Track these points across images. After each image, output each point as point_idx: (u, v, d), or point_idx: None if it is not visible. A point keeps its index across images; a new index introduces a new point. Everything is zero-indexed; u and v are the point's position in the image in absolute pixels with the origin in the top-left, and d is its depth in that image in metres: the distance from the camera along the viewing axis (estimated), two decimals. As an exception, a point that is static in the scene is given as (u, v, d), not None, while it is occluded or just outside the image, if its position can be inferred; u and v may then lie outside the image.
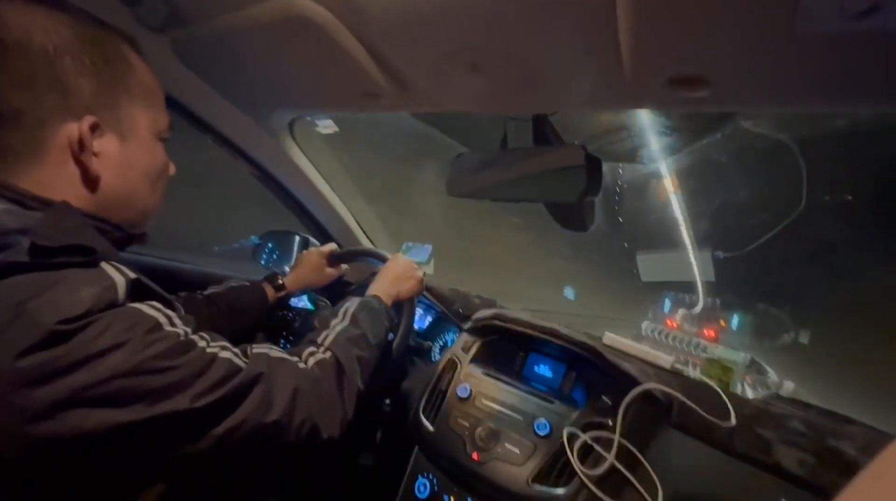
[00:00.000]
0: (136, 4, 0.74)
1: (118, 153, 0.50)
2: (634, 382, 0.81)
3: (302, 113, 1.04)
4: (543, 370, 1.00)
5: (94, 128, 0.47)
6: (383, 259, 0.98)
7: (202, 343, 0.47)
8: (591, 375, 0.92)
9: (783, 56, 0.43)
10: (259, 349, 0.55)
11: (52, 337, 0.36)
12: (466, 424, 0.86)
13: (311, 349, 0.64)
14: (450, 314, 1.15)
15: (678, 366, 0.94)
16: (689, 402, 0.75)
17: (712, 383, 0.84)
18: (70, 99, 0.45)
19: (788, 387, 0.96)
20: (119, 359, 0.39)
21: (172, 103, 0.92)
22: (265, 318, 1.02)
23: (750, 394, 1.05)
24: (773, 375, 1.16)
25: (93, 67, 0.46)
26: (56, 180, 0.46)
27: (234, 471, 1.01)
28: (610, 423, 0.77)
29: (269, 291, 1.03)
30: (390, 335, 0.86)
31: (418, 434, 0.90)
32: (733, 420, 0.72)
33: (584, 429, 0.79)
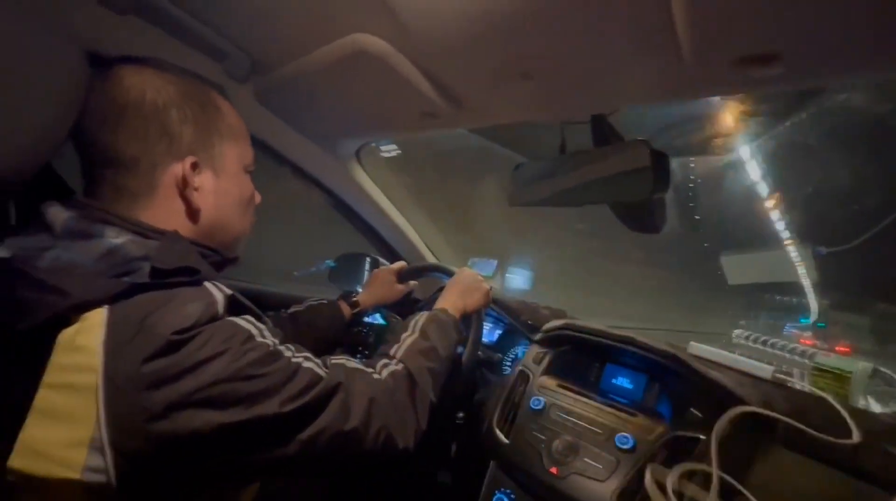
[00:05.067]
0: (224, 61, 0.85)
1: (214, 187, 0.57)
2: (727, 393, 0.74)
3: (367, 139, 1.11)
4: (622, 381, 0.95)
5: (194, 167, 0.54)
6: (450, 273, 1.00)
7: (288, 353, 0.51)
8: (676, 386, 0.85)
9: (861, 16, 0.38)
10: (337, 359, 0.59)
11: (168, 346, 0.41)
12: (542, 437, 0.84)
13: (385, 360, 0.66)
14: (518, 325, 1.14)
15: (780, 376, 0.84)
16: (794, 421, 0.66)
17: (826, 395, 0.73)
18: (175, 144, 0.53)
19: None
20: (220, 366, 0.43)
21: (254, 141, 1.03)
22: (342, 334, 1.08)
23: (877, 408, 0.91)
24: (905, 385, 0.99)
25: (191, 116, 0.54)
26: (166, 213, 0.53)
27: (317, 485, 1.06)
28: (702, 437, 0.70)
29: (345, 308, 1.08)
30: (459, 348, 0.87)
31: (493, 448, 0.89)
32: (856, 437, 0.62)
33: (673, 446, 0.73)
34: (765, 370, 0.84)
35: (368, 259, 1.35)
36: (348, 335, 1.15)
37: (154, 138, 0.52)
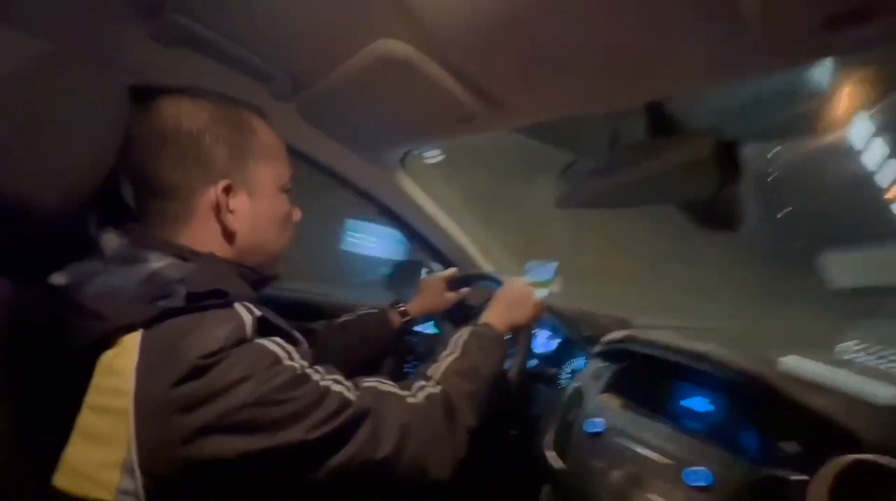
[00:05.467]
0: (269, 82, 0.88)
1: (249, 208, 0.58)
2: (834, 425, 0.61)
3: (407, 146, 1.10)
4: (696, 403, 0.83)
5: (227, 190, 0.55)
6: (499, 283, 0.95)
7: (316, 376, 0.49)
8: (764, 412, 0.72)
9: None
10: (368, 382, 0.56)
11: (194, 370, 0.42)
12: (601, 465, 0.75)
13: (422, 382, 0.62)
14: (574, 337, 1.05)
15: (907, 403, 0.68)
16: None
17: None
18: (210, 168, 0.54)
19: None
20: (246, 391, 0.43)
21: (301, 156, 1.07)
22: (392, 344, 1.07)
23: None
24: None
25: (223, 139, 0.55)
26: (205, 236, 0.55)
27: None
28: (794, 478, 0.58)
29: (395, 317, 1.07)
30: (507, 364, 0.81)
31: (546, 471, 0.82)
32: None
33: (759, 488, 0.61)
34: (886, 393, 0.68)
35: (424, 267, 1.34)
36: (398, 344, 1.14)
37: (191, 164, 0.53)
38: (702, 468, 0.66)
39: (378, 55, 0.64)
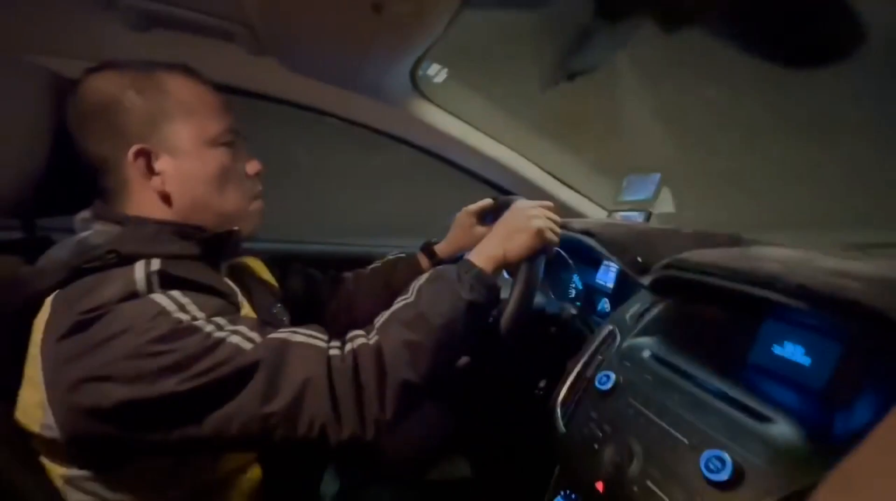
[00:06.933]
0: (234, 40, 0.89)
1: (174, 169, 0.57)
2: None
3: (394, 62, 0.95)
4: (793, 351, 0.51)
5: (145, 154, 0.56)
6: None
7: (209, 328, 0.47)
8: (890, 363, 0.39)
9: None
10: (280, 333, 0.51)
11: (76, 325, 0.44)
12: (600, 432, 0.54)
13: (360, 333, 0.55)
14: (623, 266, 0.78)
15: None
16: None
17: None
18: (124, 136, 0.55)
19: None
20: (124, 342, 0.44)
21: (304, 107, 1.06)
22: None
23: None
24: None
25: (133, 105, 0.55)
26: (144, 203, 0.57)
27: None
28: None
29: (423, 261, 0.99)
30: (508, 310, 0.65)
31: (551, 434, 0.65)
32: None
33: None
34: None
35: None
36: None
37: (108, 135, 0.55)
38: (724, 453, 0.40)
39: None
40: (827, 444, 0.38)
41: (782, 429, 0.41)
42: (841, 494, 0.18)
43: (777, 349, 0.53)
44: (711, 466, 0.41)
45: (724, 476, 0.39)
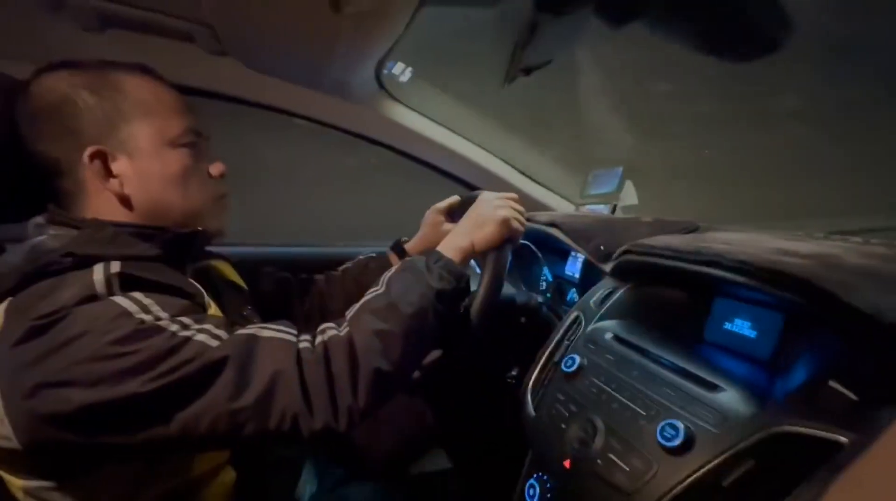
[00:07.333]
0: (194, 40, 0.87)
1: (132, 170, 0.56)
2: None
3: (359, 60, 0.95)
4: (742, 326, 0.55)
5: (101, 156, 0.54)
6: None
7: (174, 327, 0.46)
8: (826, 336, 0.43)
9: None
10: (248, 329, 0.50)
11: (31, 331, 0.43)
12: (566, 412, 0.56)
13: (331, 325, 0.55)
14: (587, 254, 0.81)
15: None
16: None
17: None
18: (78, 138, 0.54)
19: None
20: (83, 345, 0.42)
21: (271, 108, 1.05)
22: None
23: None
24: None
25: (87, 106, 0.54)
26: (102, 206, 0.56)
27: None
28: (843, 439, 0.32)
29: (394, 259, 0.99)
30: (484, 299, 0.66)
31: (523, 419, 0.67)
32: None
33: (777, 452, 0.36)
34: None
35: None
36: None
37: (62, 137, 0.53)
38: (678, 421, 0.43)
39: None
40: (767, 406, 0.41)
41: (729, 396, 0.44)
42: (851, 497, 0.19)
43: (727, 325, 0.56)
44: (666, 434, 0.43)
45: (676, 441, 0.42)
